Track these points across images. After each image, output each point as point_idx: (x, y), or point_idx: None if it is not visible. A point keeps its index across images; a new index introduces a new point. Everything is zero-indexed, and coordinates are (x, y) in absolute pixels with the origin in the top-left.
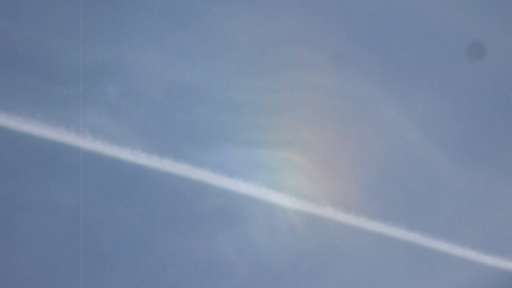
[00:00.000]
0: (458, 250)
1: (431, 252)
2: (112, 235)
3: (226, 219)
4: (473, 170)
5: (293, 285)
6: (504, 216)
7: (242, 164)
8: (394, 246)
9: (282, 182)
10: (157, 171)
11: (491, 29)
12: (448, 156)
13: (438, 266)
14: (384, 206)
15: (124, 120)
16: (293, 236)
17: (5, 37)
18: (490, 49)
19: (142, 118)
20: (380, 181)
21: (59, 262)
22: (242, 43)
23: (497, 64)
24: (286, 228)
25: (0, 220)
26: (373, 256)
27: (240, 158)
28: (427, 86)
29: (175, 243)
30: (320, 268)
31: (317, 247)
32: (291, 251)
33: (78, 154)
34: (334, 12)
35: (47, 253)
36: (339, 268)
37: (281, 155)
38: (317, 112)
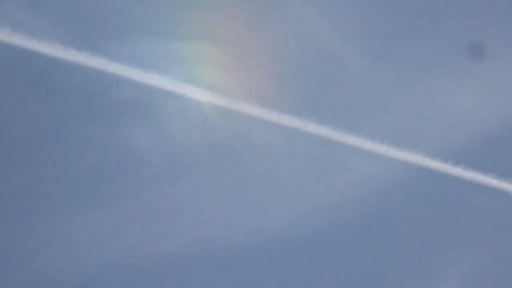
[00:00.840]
0: (368, 144)
1: (342, 146)
2: (28, 127)
3: (141, 112)
4: (384, 64)
5: (206, 175)
6: (414, 110)
7: (158, 57)
8: (306, 140)
9: (197, 75)
10: (74, 64)
11: None
12: (360, 50)
13: (349, 159)
14: (296, 100)
15: (42, 12)
16: (206, 129)
17: None
18: None
19: (60, 11)
20: (294, 75)
21: None
22: None
23: None
24: (200, 121)
25: None
26: (286, 150)
27: (156, 51)
28: None
29: (91, 134)
30: (233, 161)
31: (230, 140)
32: (205, 144)
33: None
34: None
35: None
36: (251, 160)
37: (197, 48)
38: (233, 5)
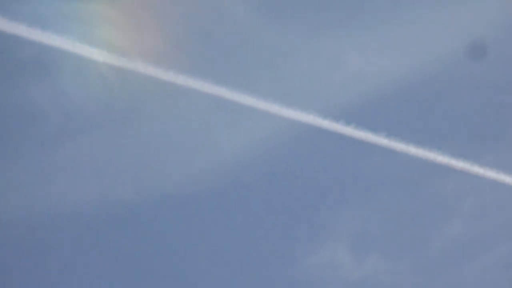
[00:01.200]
0: (261, 104)
1: (236, 105)
2: None
3: (39, 71)
4: (277, 25)
5: (102, 132)
6: (306, 69)
7: (56, 17)
8: (201, 100)
9: (94, 35)
10: None
11: None
12: (252, 9)
13: (243, 119)
14: (193, 60)
15: None
16: (104, 89)
17: None
18: None
19: None
20: (189, 36)
21: None
22: None
23: None
24: (98, 81)
25: None
26: (181, 109)
27: (54, 11)
28: None
29: None
30: (129, 118)
31: (127, 100)
32: (102, 103)
33: None
34: None
35: None
36: (148, 120)
37: (95, 9)
38: None
